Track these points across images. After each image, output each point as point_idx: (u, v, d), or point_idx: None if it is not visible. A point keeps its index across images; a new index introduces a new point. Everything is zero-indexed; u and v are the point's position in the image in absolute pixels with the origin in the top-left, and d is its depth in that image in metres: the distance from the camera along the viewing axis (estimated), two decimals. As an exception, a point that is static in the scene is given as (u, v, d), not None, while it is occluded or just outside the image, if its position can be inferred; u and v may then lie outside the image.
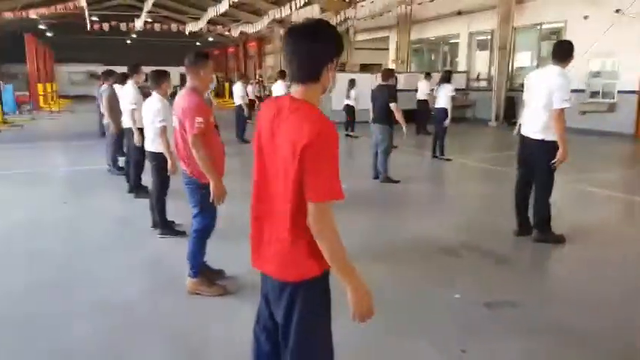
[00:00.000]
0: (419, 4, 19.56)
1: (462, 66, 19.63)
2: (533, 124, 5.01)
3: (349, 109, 13.79)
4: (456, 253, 4.89)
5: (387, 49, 23.63)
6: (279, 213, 1.85)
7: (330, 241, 1.76)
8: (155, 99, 5.11)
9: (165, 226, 5.29)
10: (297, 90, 1.86)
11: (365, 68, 22.18)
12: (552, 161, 4.86)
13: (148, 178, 6.00)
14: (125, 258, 4.77)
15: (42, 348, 3.20)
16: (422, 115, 14.55)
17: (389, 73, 8.21)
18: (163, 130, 4.98)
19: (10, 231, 5.68)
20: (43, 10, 17.47)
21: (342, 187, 1.76)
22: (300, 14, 22.59)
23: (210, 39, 32.53)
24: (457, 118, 15.53)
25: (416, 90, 15.35)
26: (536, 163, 5.08)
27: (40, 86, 24.51)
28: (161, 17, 31.70)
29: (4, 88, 20.01)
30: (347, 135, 13.64)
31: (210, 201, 3.63)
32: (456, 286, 4.10)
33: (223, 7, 19.71)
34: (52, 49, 31.46)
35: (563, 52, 4.97)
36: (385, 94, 7.85)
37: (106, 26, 21.10)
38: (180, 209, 5.18)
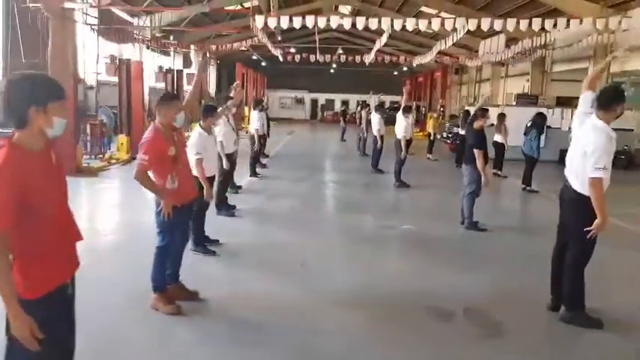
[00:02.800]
0: (624, 30, 17.15)
1: (669, 104, 16.63)
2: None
3: (497, 146, 12.84)
4: (451, 318, 4.37)
5: (585, 81, 21.17)
6: None
7: None
8: (195, 132, 5.75)
9: (199, 243, 5.80)
10: None
11: (562, 102, 20.29)
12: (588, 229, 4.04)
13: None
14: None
15: None
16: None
17: (482, 114, 7.59)
18: (198, 162, 5.51)
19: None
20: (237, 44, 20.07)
21: (4, 216, 1.97)
22: (487, 45, 21.90)
23: (405, 69, 33.07)
24: None
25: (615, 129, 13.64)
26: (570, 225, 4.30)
27: (246, 109, 27.92)
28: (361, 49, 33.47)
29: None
30: (494, 174, 12.72)
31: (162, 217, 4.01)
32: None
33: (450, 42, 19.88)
34: (265, 77, 35.64)
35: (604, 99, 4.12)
36: (471, 135, 7.33)
37: (299, 58, 23.08)
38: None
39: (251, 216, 7.85)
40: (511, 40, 19.96)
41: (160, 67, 18.85)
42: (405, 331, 4.08)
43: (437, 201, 9.65)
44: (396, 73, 36.34)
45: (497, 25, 14.60)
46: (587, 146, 4.01)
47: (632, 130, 16.04)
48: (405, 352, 3.74)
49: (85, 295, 4.32)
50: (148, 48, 21.57)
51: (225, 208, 7.72)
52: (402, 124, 10.88)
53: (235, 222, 7.43)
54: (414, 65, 25.14)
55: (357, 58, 25.55)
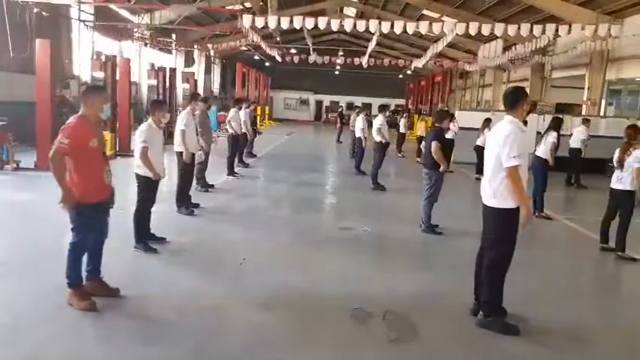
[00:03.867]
0: (615, 37, 16.93)
1: (666, 113, 16.40)
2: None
3: (479, 150, 12.74)
4: (368, 320, 4.33)
5: (583, 88, 20.96)
6: None
7: None
8: (144, 123, 5.78)
9: (140, 240, 5.81)
10: None
11: (561, 109, 20.00)
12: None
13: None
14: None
15: None
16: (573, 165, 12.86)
17: (443, 116, 7.57)
18: (144, 151, 5.55)
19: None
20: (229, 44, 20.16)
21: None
22: (486, 49, 21.72)
23: (409, 72, 32.98)
24: None
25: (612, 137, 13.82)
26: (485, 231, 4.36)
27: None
28: (374, 53, 33.37)
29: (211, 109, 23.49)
30: (477, 179, 12.63)
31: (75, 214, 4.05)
32: None
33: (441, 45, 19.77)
34: (268, 77, 35.72)
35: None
36: (431, 135, 7.35)
37: (297, 59, 23.12)
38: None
39: (211, 215, 7.86)
40: (509, 47, 19.82)
41: (152, 65, 18.94)
42: (312, 333, 4.06)
43: (407, 204, 9.57)
44: (401, 76, 36.23)
45: (499, 29, 14.52)
46: (498, 143, 4.08)
47: (622, 137, 15.69)
48: (299, 354, 3.71)
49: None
50: (146, 46, 21.79)
51: (185, 205, 7.73)
52: (377, 126, 10.90)
53: (192, 220, 7.43)
54: (412, 68, 24.96)
55: (359, 61, 25.57)
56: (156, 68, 17.84)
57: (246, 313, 4.35)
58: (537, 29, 14.26)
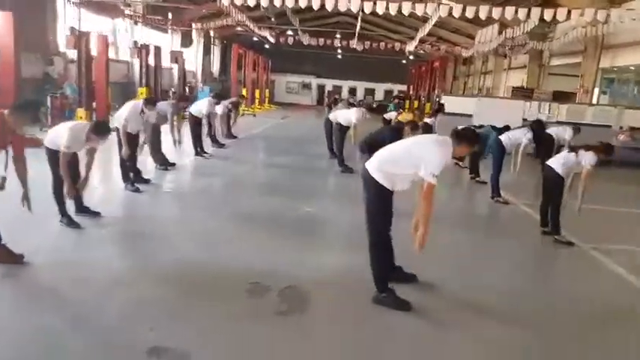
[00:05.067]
0: (604, 23, 16.48)
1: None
2: None
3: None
4: (263, 294, 4.31)
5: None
6: None
7: None
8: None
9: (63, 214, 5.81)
10: None
11: (559, 97, 19.63)
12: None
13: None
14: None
15: None
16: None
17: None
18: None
19: None
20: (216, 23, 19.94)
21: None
22: (483, 34, 21.34)
23: (411, 57, 32.60)
24: (632, 163, 14.19)
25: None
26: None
27: (243, 90, 27.89)
28: (376, 36, 33.01)
29: (202, 90, 23.44)
30: (455, 164, 12.47)
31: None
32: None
33: (429, 26, 19.48)
34: (269, 60, 35.54)
35: None
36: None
37: (310, 41, 22.77)
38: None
39: (158, 192, 7.88)
40: (503, 31, 19.40)
41: (135, 43, 18.87)
42: (199, 306, 4.02)
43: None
44: (404, 61, 35.84)
45: (496, 13, 14.22)
46: (431, 151, 4.10)
47: (610, 126, 15.44)
48: (173, 326, 3.69)
49: None
50: (136, 24, 21.73)
51: (131, 182, 7.72)
52: (346, 112, 10.84)
53: (134, 196, 7.44)
54: (407, 52, 24.60)
55: (358, 44, 25.13)
56: (139, 46, 17.67)
57: (141, 288, 4.32)
58: (535, 13, 13.82)
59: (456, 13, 13.86)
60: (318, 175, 10.55)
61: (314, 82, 42.08)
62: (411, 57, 32.82)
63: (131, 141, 7.60)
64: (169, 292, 4.27)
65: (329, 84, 42.09)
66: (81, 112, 13.12)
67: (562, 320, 4.30)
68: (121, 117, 7.50)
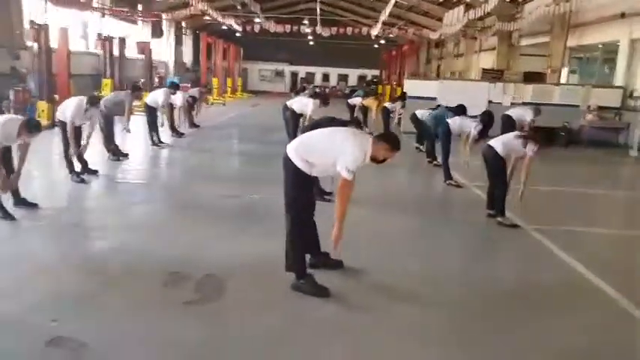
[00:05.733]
0: (567, 1, 16.38)
1: (618, 80, 16.06)
2: None
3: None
4: (178, 283, 4.18)
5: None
6: None
7: None
8: None
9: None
10: None
11: (531, 78, 19.54)
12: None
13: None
14: None
15: None
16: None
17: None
18: None
19: None
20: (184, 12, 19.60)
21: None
22: (449, 16, 21.23)
23: (382, 42, 32.44)
24: (600, 142, 14.25)
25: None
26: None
27: (215, 80, 27.54)
28: (349, 21, 32.74)
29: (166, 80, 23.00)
30: (416, 148, 12.41)
31: None
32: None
33: (389, 8, 19.29)
34: (241, 48, 35.12)
35: None
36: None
37: (259, 28, 22.53)
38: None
39: (105, 184, 7.71)
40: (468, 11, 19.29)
41: (99, 35, 18.46)
42: (108, 297, 3.93)
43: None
44: (376, 46, 35.64)
45: None
46: (351, 144, 3.92)
47: (578, 106, 15.46)
48: (72, 316, 3.58)
49: None
50: (103, 16, 21.26)
51: (76, 173, 7.54)
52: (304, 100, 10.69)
53: (79, 188, 7.29)
54: (368, 35, 24.34)
55: (328, 30, 24.94)
56: (102, 37, 17.29)
57: (55, 278, 4.23)
58: None
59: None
60: (274, 162, 10.32)
61: (287, 69, 41.73)
62: (382, 41, 32.65)
63: (78, 134, 7.54)
64: (87, 283, 4.18)
65: (302, 71, 41.72)
66: (42, 104, 12.84)
67: (479, 301, 4.26)
68: (65, 113, 7.39)
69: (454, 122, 8.57)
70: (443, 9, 24.14)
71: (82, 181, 7.50)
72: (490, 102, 15.39)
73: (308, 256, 4.36)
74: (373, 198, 7.18)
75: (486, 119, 8.81)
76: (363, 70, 40.56)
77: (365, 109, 15.74)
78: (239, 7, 22.55)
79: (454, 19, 20.50)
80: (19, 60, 15.87)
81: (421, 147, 12.15)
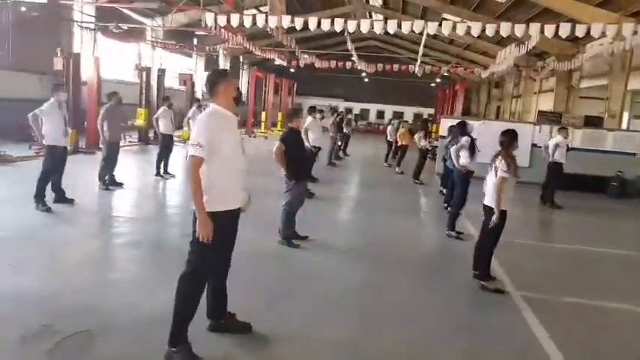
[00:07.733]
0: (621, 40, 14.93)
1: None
2: None
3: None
4: (36, 340, 3.57)
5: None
6: None
7: None
8: None
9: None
10: None
11: (592, 122, 17.98)
12: None
13: None
14: None
15: None
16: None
17: (292, 114, 6.82)
18: None
19: None
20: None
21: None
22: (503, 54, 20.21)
23: (438, 80, 31.57)
24: None
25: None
26: None
27: (263, 113, 27.66)
28: (404, 59, 32.26)
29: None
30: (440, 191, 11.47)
31: None
32: None
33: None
34: (294, 83, 35.31)
35: None
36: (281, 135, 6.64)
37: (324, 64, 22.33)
38: None
39: (68, 214, 7.28)
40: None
41: (137, 65, 18.89)
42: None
43: (314, 210, 8.60)
44: (433, 84, 34.77)
45: (519, 30, 13.05)
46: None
47: (635, 154, 13.88)
48: None
49: None
50: (153, 49, 21.89)
51: (43, 202, 7.26)
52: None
53: (38, 217, 6.96)
54: (415, 71, 23.52)
55: (384, 67, 24.36)
56: (140, 68, 17.66)
57: None
58: (578, 28, 12.24)
59: (504, 32, 12.68)
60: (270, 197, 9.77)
61: (341, 105, 41.48)
62: (438, 80, 31.80)
63: (56, 155, 7.41)
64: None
65: (357, 107, 41.35)
66: (70, 132, 13.06)
67: None
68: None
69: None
70: (500, 47, 23.07)
71: (48, 209, 7.22)
72: (534, 145, 14.17)
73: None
74: (363, 248, 6.43)
75: (457, 132, 8.10)
76: (419, 109, 39.56)
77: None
78: (291, 43, 22.49)
79: (505, 55, 19.48)
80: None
81: (444, 190, 11.19)
